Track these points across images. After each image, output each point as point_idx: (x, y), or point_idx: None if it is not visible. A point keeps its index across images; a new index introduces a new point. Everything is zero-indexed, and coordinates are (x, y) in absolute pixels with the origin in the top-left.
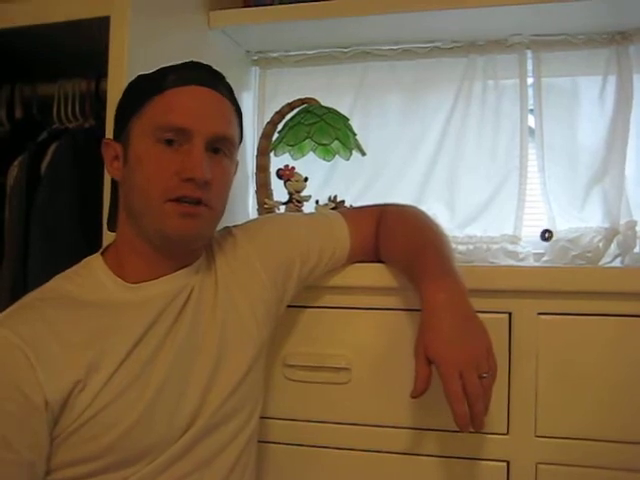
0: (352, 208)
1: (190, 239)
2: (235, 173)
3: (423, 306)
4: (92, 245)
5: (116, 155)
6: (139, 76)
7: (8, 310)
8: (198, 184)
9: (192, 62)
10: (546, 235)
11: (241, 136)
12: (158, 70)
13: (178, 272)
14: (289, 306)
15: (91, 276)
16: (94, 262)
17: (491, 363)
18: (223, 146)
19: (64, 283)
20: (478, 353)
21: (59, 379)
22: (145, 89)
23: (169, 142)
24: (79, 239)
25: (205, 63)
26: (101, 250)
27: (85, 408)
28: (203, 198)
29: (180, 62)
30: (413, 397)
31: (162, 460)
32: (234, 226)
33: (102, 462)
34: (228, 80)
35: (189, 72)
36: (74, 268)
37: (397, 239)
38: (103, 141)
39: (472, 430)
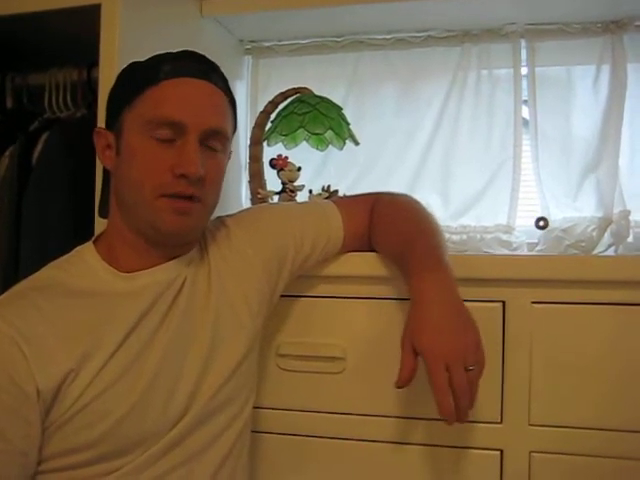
0: (345, 197)
1: (182, 234)
2: (227, 163)
3: (412, 298)
4: (84, 235)
5: (108, 144)
6: (132, 64)
7: None
8: (191, 180)
9: (186, 52)
10: (540, 223)
11: (235, 127)
12: (152, 59)
13: (171, 262)
14: (282, 295)
15: (83, 265)
16: (86, 251)
17: (479, 356)
18: (217, 140)
19: (56, 272)
20: (465, 346)
21: (51, 368)
22: (138, 80)
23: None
24: (71, 229)
25: (200, 52)
26: (93, 239)
27: (77, 397)
28: (196, 194)
29: (175, 51)
30: (397, 387)
31: (155, 450)
32: (227, 216)
33: (95, 452)
34: (222, 69)
35: (183, 63)
36: (66, 257)
37: (389, 229)
38: (95, 130)
39: (456, 422)
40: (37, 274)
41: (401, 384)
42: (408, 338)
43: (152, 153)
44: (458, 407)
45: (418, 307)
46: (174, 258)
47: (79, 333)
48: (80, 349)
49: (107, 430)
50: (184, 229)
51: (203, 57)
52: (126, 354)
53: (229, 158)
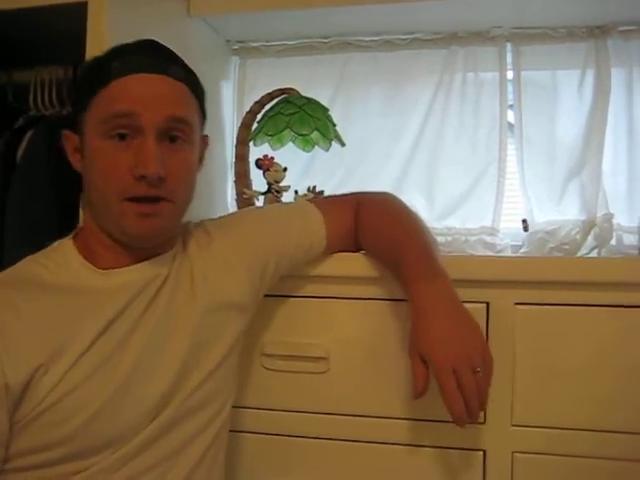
0: (328, 197)
1: (151, 237)
2: (206, 148)
3: (413, 309)
4: (68, 232)
5: (76, 147)
6: (91, 61)
7: None
8: (152, 181)
9: (142, 44)
10: (524, 224)
11: (203, 118)
12: (105, 55)
13: (150, 260)
14: (267, 295)
15: (61, 260)
16: (65, 246)
17: (486, 358)
18: (180, 132)
19: (34, 266)
20: (470, 349)
21: (21, 363)
22: (91, 81)
23: (121, 137)
24: (55, 226)
25: (159, 43)
26: (72, 234)
27: (47, 393)
28: (161, 194)
29: (131, 42)
30: (415, 398)
31: (127, 450)
32: (209, 220)
33: (64, 450)
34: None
35: (135, 58)
36: (45, 251)
37: (377, 233)
38: (63, 133)
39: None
40: (14, 267)
41: (417, 394)
42: (415, 349)
43: (110, 156)
44: (468, 409)
45: (418, 317)
46: (153, 257)
47: (52, 328)
48: (52, 344)
49: (77, 428)
50: (152, 232)
51: (160, 49)
52: (99, 351)
53: (206, 144)
